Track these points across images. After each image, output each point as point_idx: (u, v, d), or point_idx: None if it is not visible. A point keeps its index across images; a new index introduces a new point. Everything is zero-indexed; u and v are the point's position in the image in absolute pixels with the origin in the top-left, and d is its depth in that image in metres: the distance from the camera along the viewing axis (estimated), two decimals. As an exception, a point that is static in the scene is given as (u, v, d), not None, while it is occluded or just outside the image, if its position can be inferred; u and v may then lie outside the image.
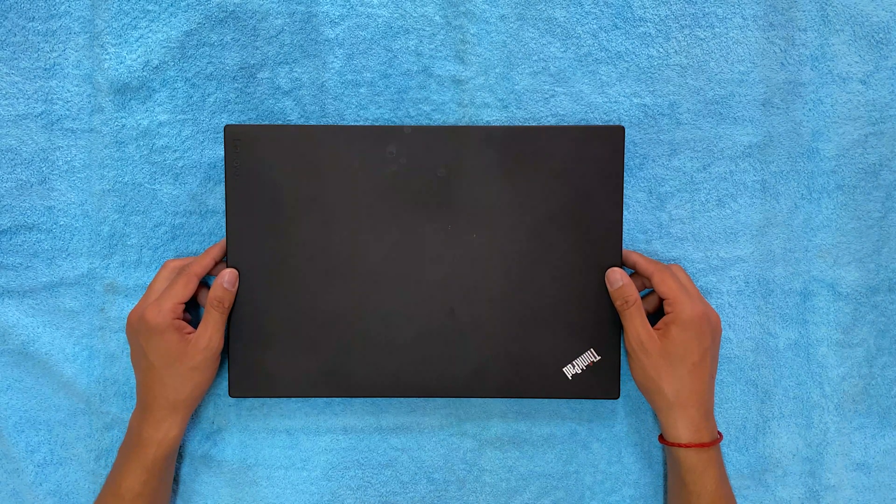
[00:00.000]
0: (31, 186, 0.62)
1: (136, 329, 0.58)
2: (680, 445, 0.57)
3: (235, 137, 0.59)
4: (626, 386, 0.63)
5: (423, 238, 0.59)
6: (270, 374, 0.60)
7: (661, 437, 0.59)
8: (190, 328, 0.59)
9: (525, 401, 0.64)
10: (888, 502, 0.64)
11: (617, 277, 0.58)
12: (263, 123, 0.62)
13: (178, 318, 0.58)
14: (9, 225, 0.62)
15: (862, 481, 0.64)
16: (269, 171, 0.59)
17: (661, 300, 0.58)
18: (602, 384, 0.60)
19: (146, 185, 0.62)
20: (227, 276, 0.58)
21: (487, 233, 0.59)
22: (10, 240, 0.63)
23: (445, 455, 0.64)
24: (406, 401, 0.64)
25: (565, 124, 0.62)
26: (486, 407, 0.64)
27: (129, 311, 0.60)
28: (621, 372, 0.61)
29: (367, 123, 0.62)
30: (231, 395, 0.60)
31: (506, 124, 0.62)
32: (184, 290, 0.58)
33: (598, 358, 0.60)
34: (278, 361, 0.59)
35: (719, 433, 0.58)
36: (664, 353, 0.56)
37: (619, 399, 0.61)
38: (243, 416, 0.63)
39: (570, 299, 0.59)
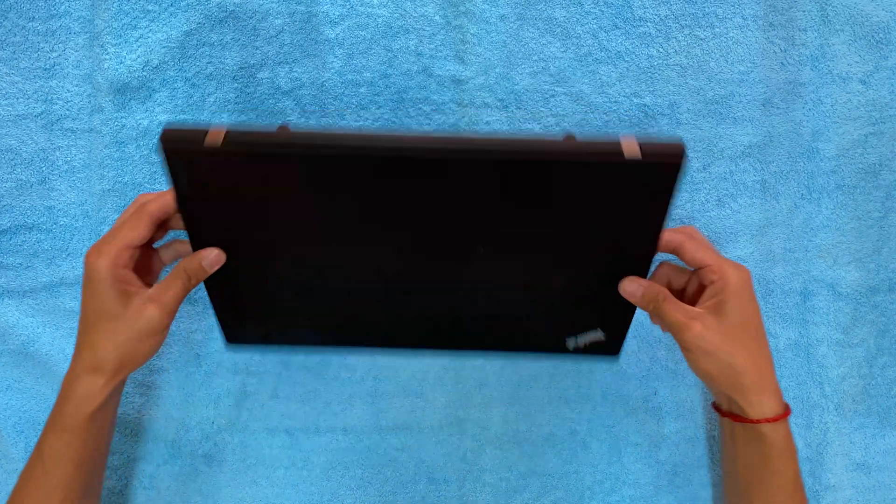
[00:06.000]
0: (31, 186, 0.62)
1: (84, 269, 0.49)
2: (775, 419, 0.51)
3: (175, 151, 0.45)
4: (627, 387, 0.63)
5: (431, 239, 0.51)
6: (266, 324, 0.55)
7: (738, 417, 0.53)
8: (138, 284, 0.50)
9: (525, 401, 0.63)
10: (888, 502, 0.64)
11: (634, 287, 0.50)
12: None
13: (124, 268, 0.49)
14: (9, 225, 0.62)
15: (862, 481, 0.64)
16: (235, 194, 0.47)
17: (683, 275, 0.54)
18: (604, 349, 0.55)
19: (146, 185, 0.62)
20: (212, 257, 0.49)
21: (495, 246, 0.50)
22: (10, 240, 0.63)
23: (445, 455, 0.64)
24: (406, 400, 0.64)
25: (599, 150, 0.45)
26: (486, 407, 0.64)
27: None
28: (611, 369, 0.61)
29: (367, 124, 0.62)
30: (229, 342, 0.56)
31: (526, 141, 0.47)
32: (132, 233, 0.48)
33: (604, 337, 0.55)
34: (274, 312, 0.55)
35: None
36: (726, 330, 0.49)
37: (618, 359, 0.56)
38: (243, 416, 0.64)
39: (584, 299, 0.53)
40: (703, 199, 0.63)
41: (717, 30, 0.62)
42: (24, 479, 0.52)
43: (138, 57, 0.61)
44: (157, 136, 0.62)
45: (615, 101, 0.62)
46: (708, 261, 0.50)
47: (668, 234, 0.52)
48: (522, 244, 0.49)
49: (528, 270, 0.51)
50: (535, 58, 0.62)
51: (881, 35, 0.62)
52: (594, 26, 0.62)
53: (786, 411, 0.51)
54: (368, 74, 0.62)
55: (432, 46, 0.62)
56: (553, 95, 0.62)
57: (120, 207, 0.62)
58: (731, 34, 0.62)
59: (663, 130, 0.62)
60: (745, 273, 0.50)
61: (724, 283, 0.50)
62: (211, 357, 0.63)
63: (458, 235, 0.49)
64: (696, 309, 0.51)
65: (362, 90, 0.62)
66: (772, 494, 0.53)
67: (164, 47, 0.61)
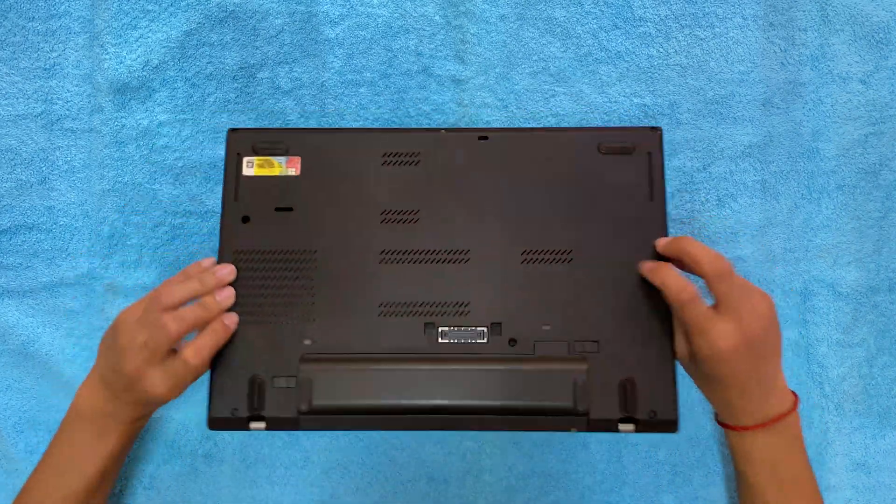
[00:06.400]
0: (31, 186, 0.62)
1: (127, 377, 0.50)
2: (724, 425, 0.54)
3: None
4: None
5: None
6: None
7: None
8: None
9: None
10: (888, 502, 0.64)
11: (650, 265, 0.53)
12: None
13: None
14: (9, 225, 0.62)
15: (862, 481, 0.64)
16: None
17: None
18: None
19: (146, 185, 0.62)
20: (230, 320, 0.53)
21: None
22: (10, 240, 0.63)
23: (445, 455, 0.64)
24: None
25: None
26: (486, 407, 0.64)
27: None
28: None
29: (367, 124, 0.62)
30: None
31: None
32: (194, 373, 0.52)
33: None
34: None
35: (778, 416, 0.52)
36: (694, 366, 0.52)
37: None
38: (243, 415, 0.64)
39: None
40: (703, 199, 0.63)
41: (718, 30, 0.62)
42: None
43: (138, 57, 0.61)
44: (156, 136, 0.62)
45: (615, 101, 0.62)
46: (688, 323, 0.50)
47: (680, 284, 0.50)
48: None
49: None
50: (535, 57, 0.62)
51: (881, 35, 0.62)
52: (594, 26, 0.62)
53: (745, 426, 0.52)
54: (368, 74, 0.62)
55: (432, 46, 0.62)
56: (553, 95, 0.62)
57: (120, 207, 0.62)
58: (732, 34, 0.62)
59: (663, 130, 0.62)
60: (722, 345, 0.48)
61: (696, 349, 0.50)
62: (211, 357, 0.63)
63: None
64: (688, 328, 0.51)
65: (362, 90, 0.62)
66: (741, 495, 0.55)
67: (164, 47, 0.61)
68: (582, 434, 0.63)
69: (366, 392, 0.50)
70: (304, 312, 0.53)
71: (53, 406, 0.63)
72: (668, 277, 0.51)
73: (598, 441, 0.64)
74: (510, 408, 0.50)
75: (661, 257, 0.54)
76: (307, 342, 0.53)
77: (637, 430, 0.51)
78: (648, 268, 0.53)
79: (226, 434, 0.63)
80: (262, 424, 0.52)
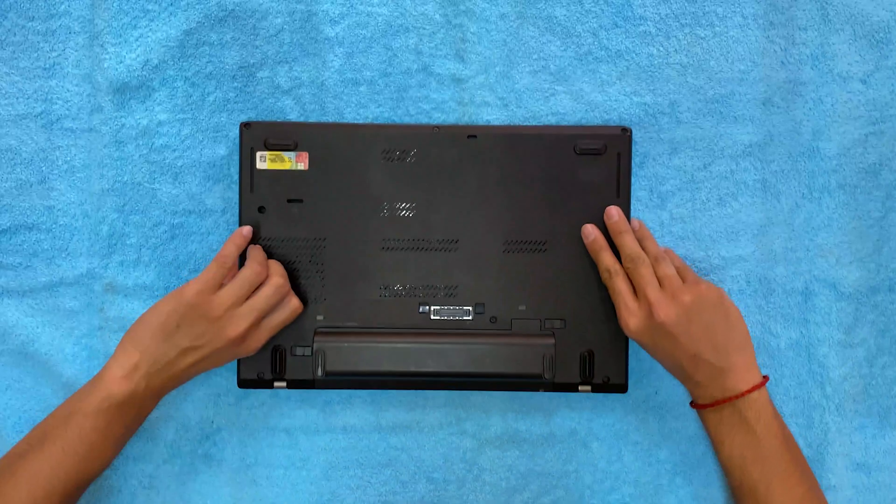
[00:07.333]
0: (31, 186, 0.62)
1: (227, 341, 0.56)
2: (692, 404, 0.61)
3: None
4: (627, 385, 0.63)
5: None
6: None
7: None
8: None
9: (525, 401, 0.63)
10: (888, 502, 0.64)
11: (589, 231, 0.60)
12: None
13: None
14: (9, 225, 0.62)
15: (862, 481, 0.64)
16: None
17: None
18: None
19: (145, 184, 0.62)
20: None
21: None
22: (10, 240, 0.63)
23: (445, 455, 0.63)
24: (406, 399, 0.64)
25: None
26: (485, 406, 0.64)
27: (185, 292, 0.56)
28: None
29: (367, 121, 0.62)
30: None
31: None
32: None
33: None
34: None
35: (722, 399, 0.57)
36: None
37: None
38: (243, 415, 0.63)
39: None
40: (703, 198, 0.63)
41: (718, 28, 0.62)
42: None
43: (138, 56, 0.61)
44: (156, 136, 0.62)
45: (615, 100, 0.62)
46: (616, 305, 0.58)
47: (606, 262, 0.59)
48: None
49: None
50: (535, 56, 0.62)
51: (881, 34, 0.62)
52: (594, 25, 0.62)
53: (702, 404, 0.58)
54: (368, 73, 0.62)
55: (432, 45, 0.62)
56: (553, 94, 0.62)
57: (119, 207, 0.62)
58: (732, 33, 0.62)
59: (664, 129, 0.62)
60: (627, 320, 0.56)
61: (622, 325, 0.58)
62: (210, 357, 0.63)
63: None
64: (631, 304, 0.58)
65: (362, 89, 0.62)
66: (723, 468, 0.60)
67: (163, 47, 0.61)
68: (582, 433, 0.63)
69: (370, 360, 0.59)
70: (316, 293, 0.61)
71: (53, 406, 0.63)
72: (599, 255, 0.59)
73: (598, 440, 0.64)
74: (489, 374, 0.59)
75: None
76: (320, 318, 0.61)
77: (592, 391, 0.61)
78: (589, 242, 0.60)
79: (225, 434, 0.63)
80: (283, 384, 0.61)
